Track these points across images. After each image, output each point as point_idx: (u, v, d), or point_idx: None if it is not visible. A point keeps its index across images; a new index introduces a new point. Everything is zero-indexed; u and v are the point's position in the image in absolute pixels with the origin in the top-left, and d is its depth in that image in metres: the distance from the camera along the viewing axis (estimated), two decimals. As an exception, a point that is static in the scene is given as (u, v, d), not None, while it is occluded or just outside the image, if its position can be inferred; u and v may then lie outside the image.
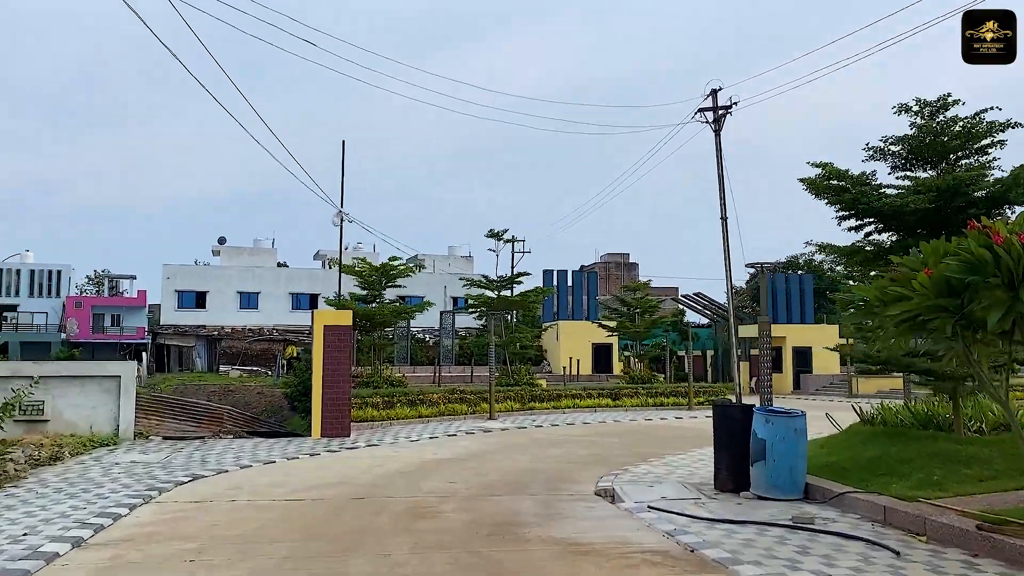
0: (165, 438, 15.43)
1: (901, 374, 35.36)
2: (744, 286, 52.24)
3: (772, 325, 40.21)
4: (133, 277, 69.25)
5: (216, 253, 62.25)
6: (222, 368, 48.86)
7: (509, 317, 35.07)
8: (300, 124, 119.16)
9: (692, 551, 6.70)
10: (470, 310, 28.20)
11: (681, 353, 44.35)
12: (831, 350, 23.54)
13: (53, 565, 6.27)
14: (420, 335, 46.43)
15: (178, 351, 54.56)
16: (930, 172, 10.17)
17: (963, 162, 10.01)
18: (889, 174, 10.41)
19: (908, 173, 10.29)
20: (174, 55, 12.77)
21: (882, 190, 10.04)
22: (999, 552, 6.16)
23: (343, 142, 24.56)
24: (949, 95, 9.89)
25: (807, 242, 14.40)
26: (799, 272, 50.63)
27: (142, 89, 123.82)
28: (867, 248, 11.75)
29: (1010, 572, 5.86)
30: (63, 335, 59.79)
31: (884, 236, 11.68)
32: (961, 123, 9.79)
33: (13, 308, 62.01)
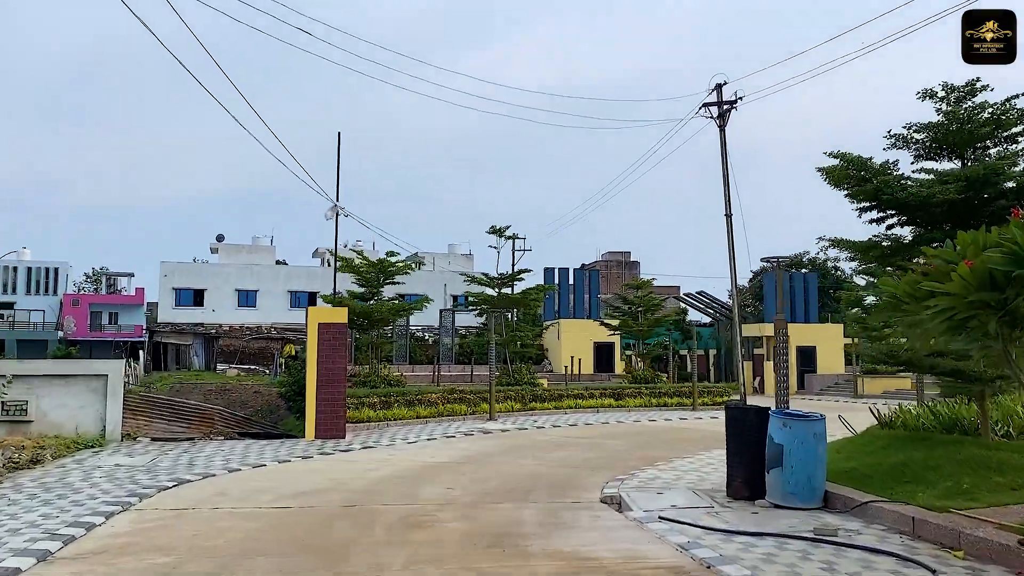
0: (154, 439, 14.90)
1: (909, 375, 34.85)
2: (747, 285, 51.71)
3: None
4: (131, 275, 68.79)
5: (214, 251, 61.74)
6: (219, 367, 48.36)
7: (510, 315, 34.55)
8: (301, 124, 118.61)
9: (708, 567, 6.18)
10: (470, 308, 27.69)
11: (683, 352, 43.87)
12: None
13: (13, 583, 5.76)
14: (420, 333, 45.94)
15: (175, 349, 54.04)
16: (955, 162, 9.63)
17: (991, 151, 9.50)
18: (912, 164, 9.90)
19: (933, 163, 9.76)
20: (171, 53, 12.38)
21: (904, 180, 9.51)
22: (1046, 571, 5.65)
23: (338, 134, 24.00)
24: (978, 79, 9.39)
25: (819, 238, 13.91)
26: (803, 271, 50.08)
27: (141, 88, 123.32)
28: (884, 244, 11.22)
29: (1061, 594, 5.35)
30: (60, 333, 59.33)
31: (904, 230, 11.15)
32: (990, 110, 9.26)
33: (10, 306, 61.53)
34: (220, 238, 61.50)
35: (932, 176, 9.54)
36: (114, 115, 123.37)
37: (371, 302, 21.52)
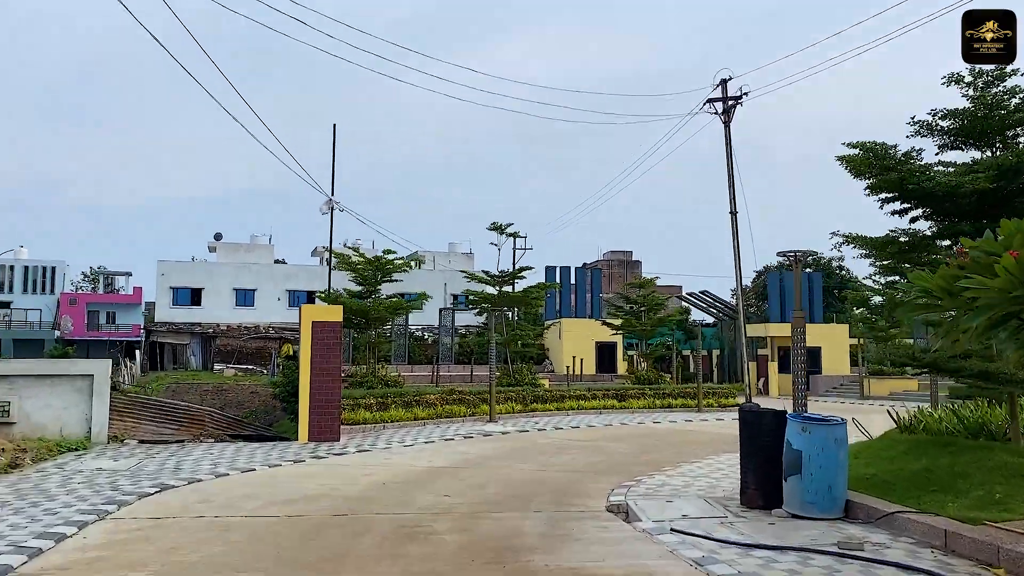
0: (141, 442, 14.39)
1: (915, 376, 34.23)
2: (749, 285, 51.14)
3: (780, 325, 39.31)
4: (128, 274, 68.31)
5: (212, 249, 61.16)
6: (217, 366, 47.83)
7: (511, 314, 34.00)
8: (303, 124, 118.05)
9: (727, 586, 5.67)
10: (470, 307, 27.13)
11: (686, 352, 43.28)
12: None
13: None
14: (419, 333, 45.40)
15: (172, 349, 53.54)
16: (984, 151, 9.10)
17: (1022, 139, 8.97)
18: (937, 154, 9.38)
19: (959, 152, 9.23)
20: (168, 51, 11.90)
21: (930, 171, 8.98)
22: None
23: (334, 126, 23.54)
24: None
25: (832, 233, 13.30)
26: (808, 270, 49.52)
27: (141, 87, 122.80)
28: (902, 239, 10.68)
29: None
30: (57, 332, 58.83)
31: (923, 225, 10.62)
32: (1022, 95, 8.73)
33: (6, 305, 61.03)
34: (218, 237, 60.92)
35: (958, 166, 9.00)
36: (113, 114, 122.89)
37: (368, 300, 20.98)
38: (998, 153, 8.86)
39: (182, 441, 14.63)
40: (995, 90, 8.89)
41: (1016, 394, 8.34)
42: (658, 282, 35.98)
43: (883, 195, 9.48)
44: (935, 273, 5.89)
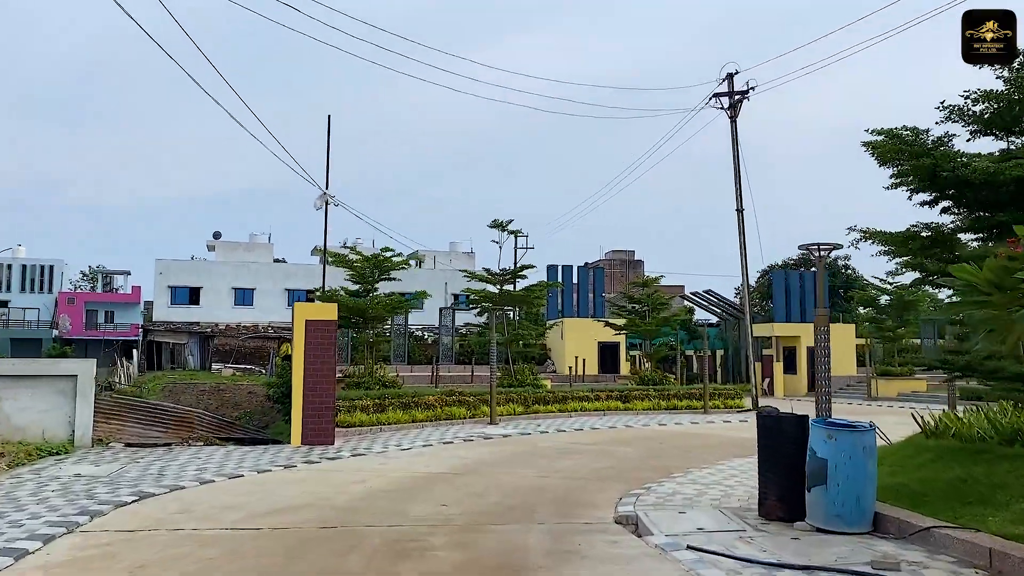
0: (127, 445, 13.81)
1: (924, 377, 33.63)
2: (753, 284, 50.50)
3: (785, 324, 38.70)
4: (127, 273, 67.87)
5: (211, 248, 60.61)
6: (215, 366, 47.25)
7: (512, 313, 33.39)
8: (301, 124, 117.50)
9: (754, 614, 5.07)
10: (471, 306, 26.55)
11: (689, 353, 42.64)
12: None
13: None
14: (419, 333, 44.82)
15: (170, 348, 52.96)
16: (1021, 137, 8.51)
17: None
18: (969, 140, 8.77)
19: (993, 138, 8.61)
20: (165, 51, 11.37)
21: (964, 156, 8.38)
22: None
23: (328, 117, 22.89)
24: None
25: (850, 228, 12.68)
26: (812, 269, 48.89)
27: (141, 86, 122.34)
28: (923, 234, 10.09)
29: None
30: (55, 331, 58.34)
31: (947, 219, 10.03)
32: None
33: (4, 304, 60.58)
34: (217, 235, 60.37)
35: (992, 155, 8.40)
36: (113, 114, 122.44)
37: (365, 298, 20.39)
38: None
39: (170, 444, 14.06)
40: (1029, 72, 8.30)
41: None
42: (661, 282, 35.38)
43: (912, 184, 8.87)
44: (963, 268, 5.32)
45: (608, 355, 38.99)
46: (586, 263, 52.45)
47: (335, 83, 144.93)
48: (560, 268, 39.63)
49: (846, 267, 52.88)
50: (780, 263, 53.16)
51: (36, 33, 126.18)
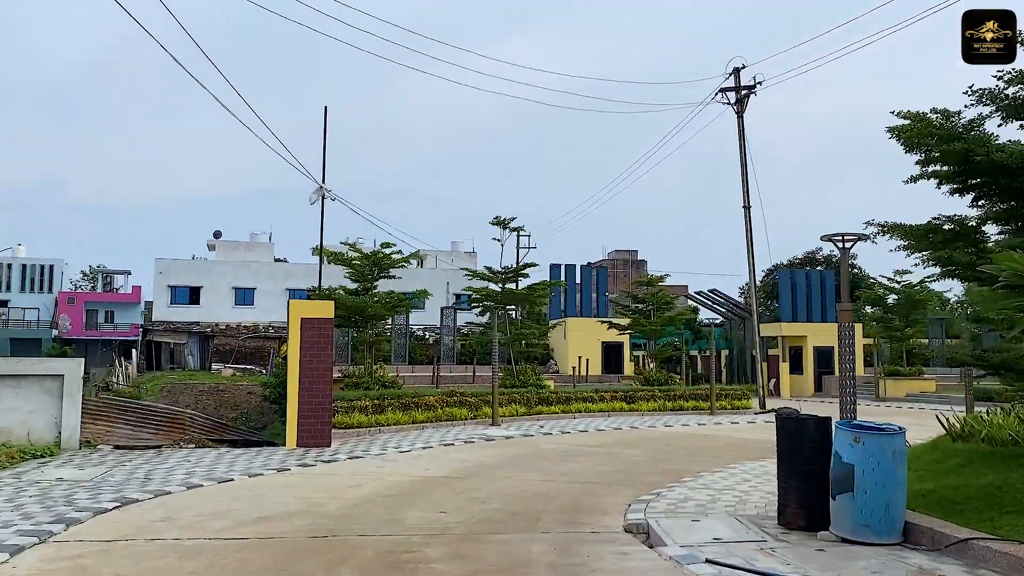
0: (116, 447, 13.34)
1: (932, 377, 33.07)
2: (759, 283, 49.88)
3: (792, 324, 38.13)
4: (128, 273, 67.48)
5: (212, 248, 60.15)
6: (214, 366, 46.81)
7: (514, 313, 32.88)
8: (304, 124, 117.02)
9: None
10: (473, 305, 26.00)
11: (693, 353, 42.10)
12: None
13: None
14: (420, 332, 44.34)
15: (170, 348, 52.54)
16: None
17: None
18: (1000, 125, 8.25)
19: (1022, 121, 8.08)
20: (164, 48, 10.95)
21: (996, 141, 7.86)
22: None
23: (325, 108, 22.32)
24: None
25: (867, 222, 12.11)
26: (818, 268, 48.37)
27: (142, 86, 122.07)
28: (946, 227, 9.58)
29: None
30: (55, 332, 57.96)
31: (973, 211, 9.51)
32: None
33: (3, 304, 60.24)
34: (217, 235, 59.90)
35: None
36: (113, 114, 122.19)
37: (364, 296, 19.88)
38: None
39: (160, 446, 13.59)
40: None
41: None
42: (665, 281, 34.83)
43: (941, 172, 8.35)
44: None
45: (612, 355, 38.46)
46: (589, 263, 51.98)
47: (334, 83, 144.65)
48: (563, 267, 39.13)
49: (852, 266, 52.25)
50: (785, 262, 52.60)
51: (36, 33, 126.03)
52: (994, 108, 7.88)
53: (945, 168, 8.21)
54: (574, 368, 32.05)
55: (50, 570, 6.02)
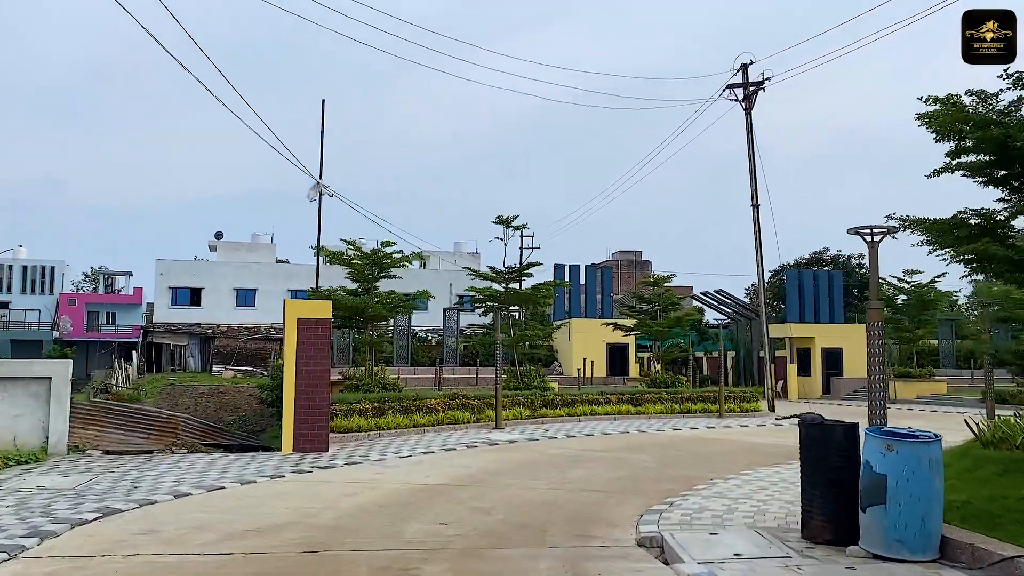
0: (106, 452, 12.88)
1: (944, 379, 32.42)
2: (765, 283, 49.34)
3: (800, 325, 37.57)
4: (129, 274, 67.12)
5: (213, 249, 59.77)
6: (215, 368, 46.41)
7: (518, 314, 32.37)
8: (305, 125, 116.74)
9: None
10: (475, 305, 25.50)
11: (699, 354, 41.54)
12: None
13: None
14: (423, 334, 43.89)
15: (171, 350, 52.15)
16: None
17: None
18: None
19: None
20: (165, 48, 10.60)
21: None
22: None
23: (323, 101, 21.88)
24: None
25: (888, 216, 11.49)
26: (826, 268, 47.78)
27: (142, 85, 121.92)
28: (972, 221, 9.06)
29: None
30: (56, 333, 57.64)
31: (999, 206, 9.00)
32: None
33: (4, 305, 59.93)
34: (219, 235, 59.50)
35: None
36: (114, 113, 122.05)
37: (363, 296, 19.41)
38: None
39: (151, 451, 13.13)
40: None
41: None
42: (671, 282, 34.32)
43: (972, 161, 7.82)
44: None
45: (617, 357, 37.93)
46: (593, 263, 51.47)
47: (334, 86, 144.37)
48: (567, 268, 38.65)
49: (860, 266, 51.67)
50: (791, 263, 52.02)
51: (37, 33, 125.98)
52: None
53: (979, 158, 7.70)
54: (579, 370, 31.56)
55: (15, 591, 5.55)
